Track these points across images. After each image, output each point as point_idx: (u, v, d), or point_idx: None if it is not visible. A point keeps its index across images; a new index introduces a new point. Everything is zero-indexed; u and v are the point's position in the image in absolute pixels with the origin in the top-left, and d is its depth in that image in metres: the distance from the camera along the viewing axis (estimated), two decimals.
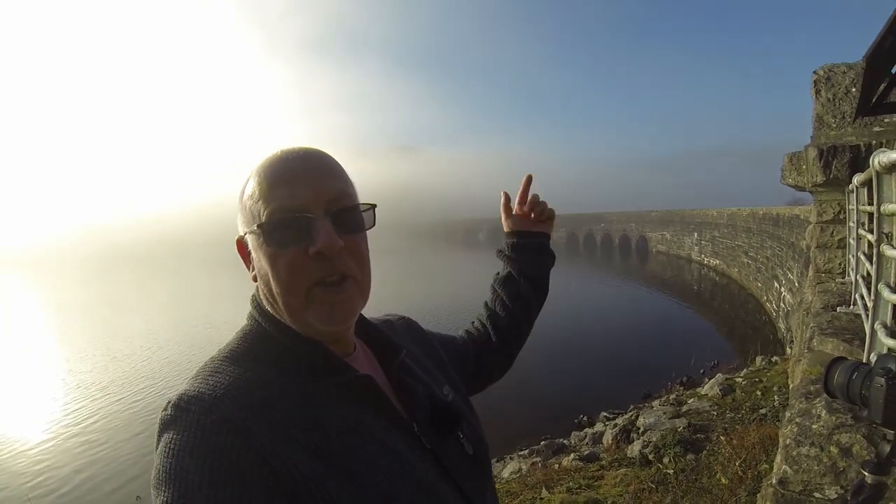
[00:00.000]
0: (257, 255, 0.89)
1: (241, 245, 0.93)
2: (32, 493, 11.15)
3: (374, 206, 0.95)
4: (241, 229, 0.92)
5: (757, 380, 8.71)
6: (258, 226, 0.86)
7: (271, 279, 0.87)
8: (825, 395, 1.56)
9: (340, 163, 0.94)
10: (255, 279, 0.93)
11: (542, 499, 5.69)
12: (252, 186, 0.88)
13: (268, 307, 0.92)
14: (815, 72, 5.06)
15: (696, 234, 43.76)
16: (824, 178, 4.75)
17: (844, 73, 4.91)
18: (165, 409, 0.77)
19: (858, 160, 4.50)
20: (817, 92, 5.06)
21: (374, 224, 0.95)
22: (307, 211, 0.85)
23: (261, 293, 0.93)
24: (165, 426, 0.75)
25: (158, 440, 0.75)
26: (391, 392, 0.99)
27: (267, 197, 0.85)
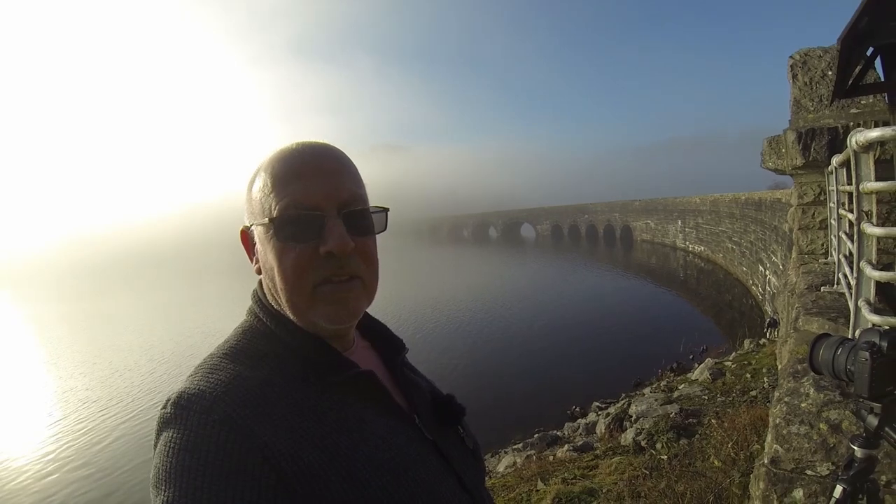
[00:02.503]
0: (264, 249, 0.88)
1: (246, 236, 0.93)
2: None
3: (386, 210, 0.95)
4: (248, 220, 0.91)
5: (746, 363, 8.79)
6: (270, 219, 0.85)
7: (276, 274, 0.86)
8: (812, 372, 1.58)
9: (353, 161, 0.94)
10: (258, 272, 0.92)
11: (537, 491, 5.69)
12: (263, 178, 0.87)
13: (271, 302, 0.91)
14: (791, 56, 5.10)
15: (679, 222, 44.02)
16: (804, 161, 4.80)
17: (820, 56, 4.95)
18: (165, 408, 0.76)
19: (837, 142, 4.54)
20: (794, 76, 5.10)
21: (385, 227, 0.95)
22: (320, 209, 0.85)
23: (264, 287, 0.93)
24: (165, 424, 0.75)
25: (157, 438, 0.75)
26: (393, 388, 0.98)
27: (279, 190, 0.85)
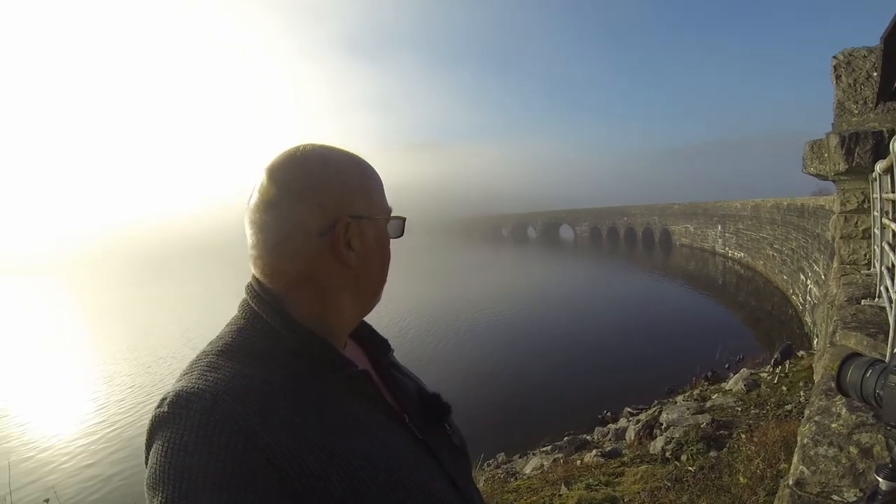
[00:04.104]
0: (375, 242, 0.96)
1: (348, 228, 0.92)
2: None
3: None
4: (356, 212, 0.92)
5: (782, 375, 8.53)
6: (394, 217, 1.00)
7: (381, 264, 0.98)
8: (840, 394, 1.48)
9: None
10: (347, 263, 0.91)
11: (560, 495, 5.64)
12: (370, 180, 0.97)
13: (306, 306, 0.90)
14: (834, 56, 4.90)
15: (719, 227, 43.16)
16: (847, 166, 4.60)
17: (865, 57, 4.74)
18: (161, 406, 0.75)
19: (881, 147, 4.35)
20: (837, 77, 4.90)
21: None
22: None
23: (267, 282, 0.91)
24: (162, 424, 0.73)
25: (152, 438, 0.74)
26: (382, 387, 0.99)
27: (383, 195, 0.99)
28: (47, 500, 6.59)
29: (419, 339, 21.86)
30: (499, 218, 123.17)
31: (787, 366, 7.18)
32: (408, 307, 28.12)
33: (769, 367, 7.28)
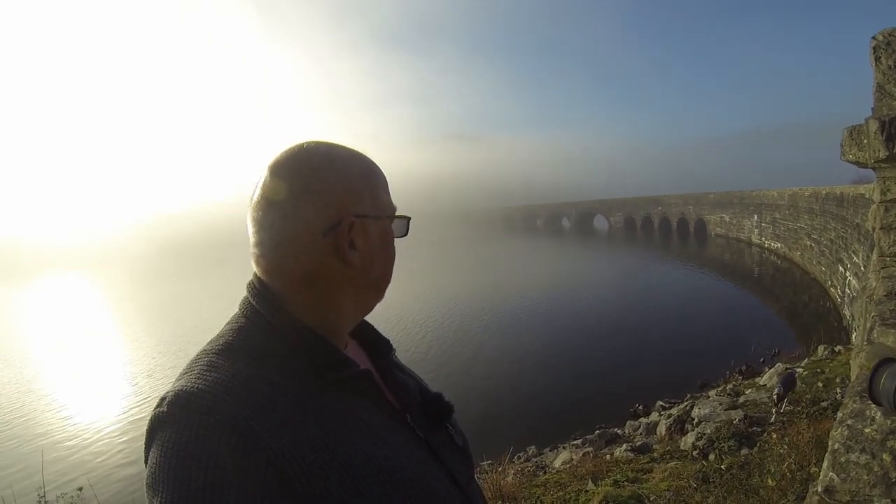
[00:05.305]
0: (379, 241, 0.95)
1: (352, 227, 0.91)
2: None
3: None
4: (360, 211, 0.92)
5: (819, 370, 8.29)
6: (399, 216, 0.99)
7: (385, 263, 0.97)
8: (871, 402, 1.38)
9: None
10: (352, 263, 0.91)
11: (586, 491, 5.59)
12: (375, 179, 0.96)
13: (308, 305, 0.89)
14: (873, 37, 4.66)
15: (756, 217, 42.23)
16: (887, 153, 4.38)
17: None
18: (160, 406, 0.74)
19: None
20: (877, 59, 4.66)
21: None
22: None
23: (274, 279, 0.90)
24: (161, 424, 0.73)
25: (151, 438, 0.73)
26: (383, 387, 0.99)
27: (388, 194, 0.99)
28: (80, 489, 6.74)
29: (454, 329, 22.08)
30: (533, 208, 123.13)
31: (789, 398, 6.89)
32: (446, 297, 28.69)
33: (772, 406, 7.02)
